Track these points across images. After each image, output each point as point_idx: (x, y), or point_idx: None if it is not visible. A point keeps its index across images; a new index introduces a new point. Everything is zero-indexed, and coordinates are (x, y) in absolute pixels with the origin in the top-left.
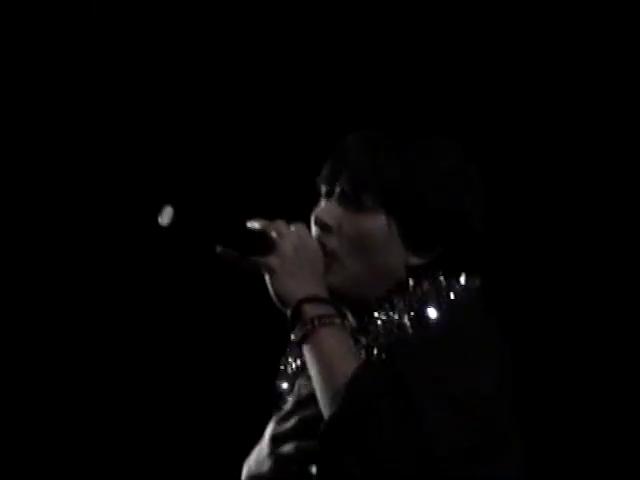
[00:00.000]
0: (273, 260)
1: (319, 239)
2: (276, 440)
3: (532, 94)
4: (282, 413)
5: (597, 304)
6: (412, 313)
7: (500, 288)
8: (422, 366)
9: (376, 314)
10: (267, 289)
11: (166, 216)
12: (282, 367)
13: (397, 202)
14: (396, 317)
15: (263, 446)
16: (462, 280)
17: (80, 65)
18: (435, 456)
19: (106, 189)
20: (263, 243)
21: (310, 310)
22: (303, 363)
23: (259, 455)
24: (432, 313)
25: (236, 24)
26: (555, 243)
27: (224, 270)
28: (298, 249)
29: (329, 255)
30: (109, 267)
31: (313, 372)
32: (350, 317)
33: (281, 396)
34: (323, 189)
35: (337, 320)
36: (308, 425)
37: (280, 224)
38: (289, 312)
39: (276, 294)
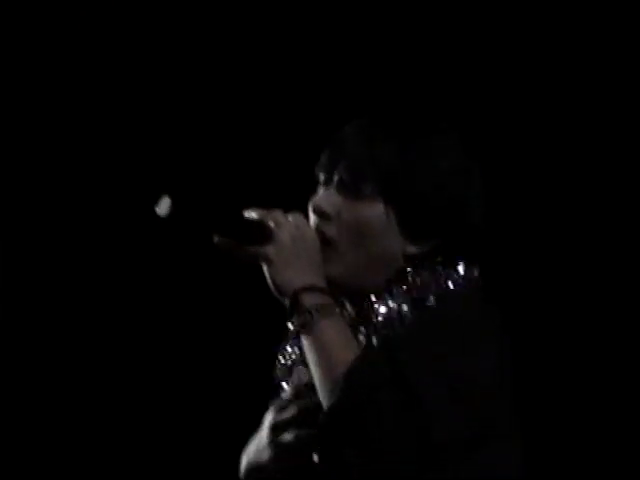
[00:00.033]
0: (271, 250)
1: (317, 227)
2: (276, 429)
3: (529, 85)
4: (281, 402)
5: (596, 297)
6: (411, 302)
7: (500, 279)
8: (421, 356)
9: (375, 303)
10: (265, 279)
11: (164, 206)
12: (280, 356)
13: (395, 190)
14: (395, 306)
15: (262, 435)
16: (461, 269)
17: (75, 56)
18: (435, 446)
19: (103, 180)
20: (261, 233)
21: (308, 300)
22: (301, 352)
23: (258, 444)
24: (431, 302)
25: (231, 12)
26: (555, 236)
27: (222, 260)
28: (296, 239)
29: (327, 243)
30: (106, 257)
31: (311, 362)
32: (349, 307)
33: (279, 385)
34: (321, 177)
35: (335, 310)
36: (308, 413)
37: (277, 214)
38: (287, 302)
39: (274, 284)
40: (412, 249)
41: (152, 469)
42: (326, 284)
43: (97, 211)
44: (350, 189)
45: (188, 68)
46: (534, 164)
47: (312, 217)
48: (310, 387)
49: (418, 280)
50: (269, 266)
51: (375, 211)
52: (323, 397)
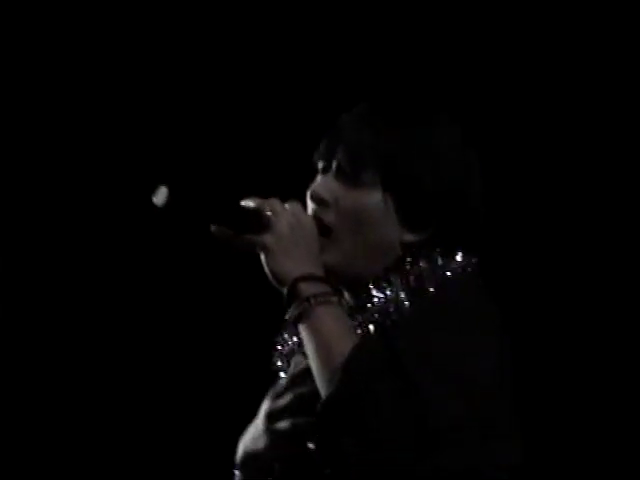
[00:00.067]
0: (268, 238)
1: (315, 214)
2: (271, 416)
3: (527, 76)
4: (277, 389)
5: (596, 291)
6: (409, 291)
7: (499, 271)
8: (419, 343)
9: (373, 292)
10: (262, 268)
11: (161, 196)
12: (278, 346)
13: (394, 178)
14: (393, 295)
15: (258, 423)
16: (459, 259)
17: (71, 48)
18: (432, 433)
19: (100, 171)
20: (258, 221)
21: (306, 288)
22: (299, 341)
23: (254, 432)
24: (429, 290)
25: (230, 2)
26: (554, 228)
27: (219, 249)
28: (293, 227)
29: (325, 231)
30: (103, 247)
31: (310, 351)
32: (347, 295)
33: (277, 374)
34: (320, 165)
35: (333, 298)
36: (303, 401)
37: (275, 202)
38: (285, 291)
39: (272, 273)
40: (410, 237)
41: (151, 457)
42: (324, 272)
43: (93, 201)
44: (348, 176)
45: (182, 56)
46: (534, 156)
47: (310, 204)
48: (306, 374)
49: (416, 269)
50: (267, 255)
51: (373, 198)
52: (321, 386)
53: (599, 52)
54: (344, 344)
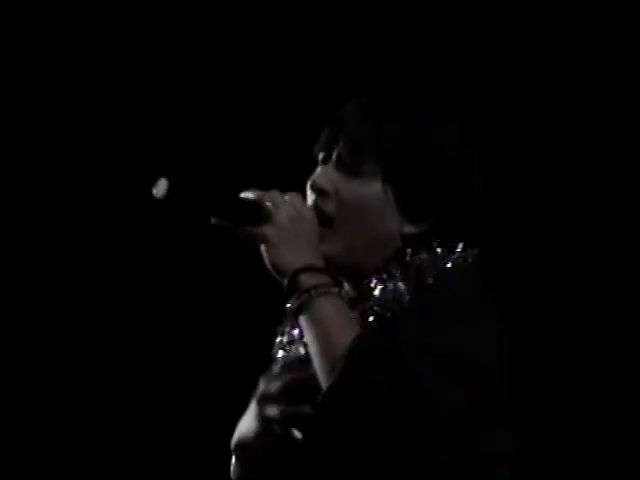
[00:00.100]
0: (268, 230)
1: (315, 204)
2: (261, 402)
3: (527, 72)
4: (270, 375)
5: (595, 284)
6: (409, 282)
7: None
8: (420, 334)
9: (373, 283)
10: (263, 259)
11: (161, 188)
12: (278, 337)
13: (394, 169)
14: (393, 286)
15: (251, 408)
16: (459, 250)
17: (70, 46)
18: (433, 424)
19: (99, 165)
20: (258, 213)
21: (306, 280)
22: (300, 333)
23: (248, 418)
24: (429, 281)
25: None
26: (554, 222)
27: (219, 241)
28: (293, 218)
29: (325, 221)
30: (102, 241)
31: (310, 342)
32: (347, 286)
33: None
34: (320, 156)
35: (334, 289)
36: (293, 388)
37: (275, 194)
38: (285, 282)
39: (272, 264)
40: (410, 229)
41: (152, 449)
42: (324, 263)
43: (93, 195)
44: (349, 166)
45: (181, 51)
46: (534, 151)
47: (310, 194)
48: (298, 362)
49: (416, 260)
50: (267, 246)
51: (373, 189)
52: (322, 377)
53: (599, 49)
54: (345, 335)
